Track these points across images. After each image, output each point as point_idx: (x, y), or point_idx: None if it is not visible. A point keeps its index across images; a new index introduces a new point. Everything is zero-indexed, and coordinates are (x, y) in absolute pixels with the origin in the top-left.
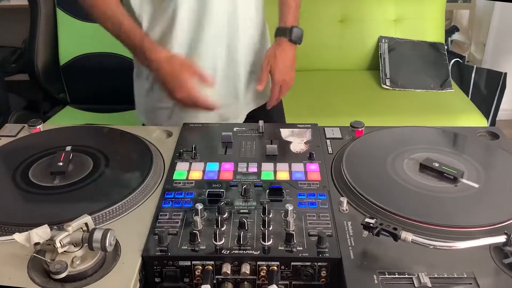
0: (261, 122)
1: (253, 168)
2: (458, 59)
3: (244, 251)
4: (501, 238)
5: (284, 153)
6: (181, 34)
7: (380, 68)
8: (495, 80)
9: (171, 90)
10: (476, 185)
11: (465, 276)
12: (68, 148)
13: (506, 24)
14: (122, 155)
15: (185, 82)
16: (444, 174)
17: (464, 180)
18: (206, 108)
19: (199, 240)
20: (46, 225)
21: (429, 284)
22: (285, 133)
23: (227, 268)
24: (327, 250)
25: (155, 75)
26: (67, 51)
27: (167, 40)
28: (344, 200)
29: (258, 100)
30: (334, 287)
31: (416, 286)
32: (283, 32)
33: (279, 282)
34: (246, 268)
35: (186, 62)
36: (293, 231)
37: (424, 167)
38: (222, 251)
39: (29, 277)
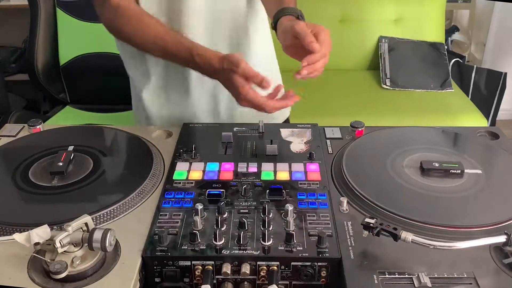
0: (261, 122)
1: (253, 168)
2: (458, 59)
3: (244, 251)
4: (501, 238)
5: (284, 153)
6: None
7: (380, 68)
8: (495, 80)
9: (236, 99)
10: (479, 171)
11: (465, 276)
12: (70, 148)
13: (506, 24)
14: (122, 155)
15: (241, 91)
16: (450, 171)
17: (468, 171)
18: (275, 109)
19: (199, 240)
20: (46, 225)
21: (429, 284)
22: (285, 133)
23: (227, 268)
24: (327, 250)
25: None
26: (67, 51)
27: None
28: (344, 200)
29: None
30: (334, 287)
31: (416, 286)
32: (291, 12)
33: (279, 282)
34: (246, 268)
35: (233, 63)
36: (293, 231)
37: (427, 170)
38: (222, 251)
39: (29, 277)
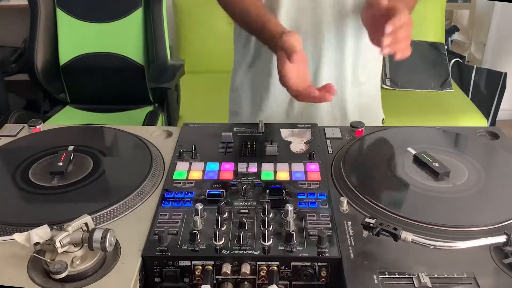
0: (261, 122)
1: (253, 168)
2: (458, 59)
3: (244, 251)
4: (501, 238)
5: (284, 153)
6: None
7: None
8: (495, 80)
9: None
10: (464, 180)
11: (465, 276)
12: (70, 148)
13: (506, 24)
14: (122, 155)
15: (287, 79)
16: (430, 167)
17: (448, 179)
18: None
19: (199, 240)
20: (46, 225)
21: (429, 284)
22: (285, 133)
23: (227, 268)
24: (327, 250)
25: None
26: (67, 51)
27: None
28: (344, 200)
29: None
30: (334, 287)
31: (416, 286)
32: None
33: (279, 282)
34: (246, 268)
35: (288, 46)
36: (293, 231)
37: (417, 160)
38: (222, 251)
39: (29, 277)
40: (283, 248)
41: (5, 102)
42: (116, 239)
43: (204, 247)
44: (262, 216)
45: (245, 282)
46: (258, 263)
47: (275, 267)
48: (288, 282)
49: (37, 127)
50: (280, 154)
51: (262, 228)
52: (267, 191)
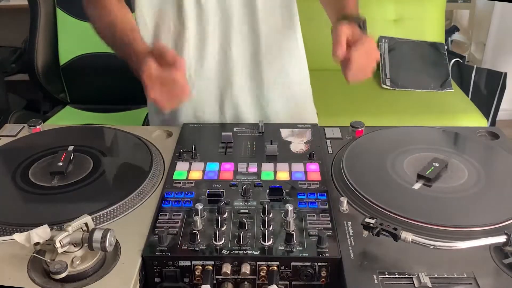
0: (261, 122)
1: (253, 168)
2: (458, 59)
3: (244, 251)
4: (501, 238)
5: (284, 153)
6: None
7: (380, 68)
8: (495, 80)
9: (144, 85)
10: (463, 180)
11: (465, 276)
12: (70, 148)
13: (506, 24)
14: (122, 155)
15: (144, 66)
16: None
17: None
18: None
19: (199, 240)
20: (46, 225)
21: (429, 284)
22: (285, 133)
23: (227, 268)
24: (327, 250)
25: None
26: (67, 51)
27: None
28: (344, 200)
29: None
30: (334, 287)
31: (416, 286)
32: (351, 19)
33: (279, 282)
34: (246, 268)
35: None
36: (293, 231)
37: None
38: (222, 251)
39: (29, 277)
40: (283, 248)
41: (5, 102)
42: (116, 239)
43: (204, 247)
44: (262, 216)
45: (245, 282)
46: (258, 263)
47: (275, 267)
48: (288, 282)
49: (37, 127)
50: (280, 154)
51: (262, 228)
52: (267, 191)
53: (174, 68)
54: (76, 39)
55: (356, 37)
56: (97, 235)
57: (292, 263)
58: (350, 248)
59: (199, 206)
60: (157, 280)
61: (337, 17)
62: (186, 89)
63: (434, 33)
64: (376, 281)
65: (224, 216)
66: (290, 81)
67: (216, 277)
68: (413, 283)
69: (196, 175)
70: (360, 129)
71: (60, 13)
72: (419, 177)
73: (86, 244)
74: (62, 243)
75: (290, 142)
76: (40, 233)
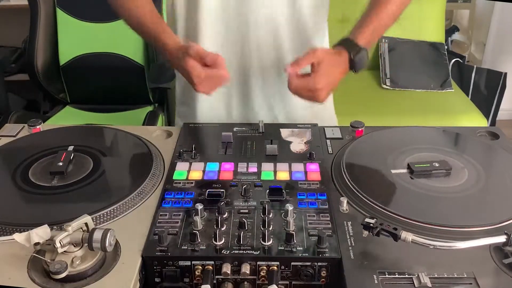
0: (261, 122)
1: (253, 168)
2: (458, 59)
3: (244, 251)
4: (501, 238)
5: (284, 153)
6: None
7: (380, 68)
8: (495, 80)
9: (192, 86)
10: (464, 180)
11: (465, 276)
12: (70, 148)
13: (506, 24)
14: (122, 155)
15: (192, 72)
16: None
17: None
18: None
19: (199, 240)
20: (46, 225)
21: (429, 284)
22: (285, 133)
23: (227, 268)
24: (327, 250)
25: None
26: (67, 51)
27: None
28: (344, 200)
29: None
30: (334, 287)
31: (416, 286)
32: (349, 46)
33: (279, 282)
34: (246, 268)
35: (185, 47)
36: (293, 231)
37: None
38: (222, 251)
39: (29, 277)
40: (283, 248)
41: (5, 102)
42: (116, 239)
43: (204, 247)
44: (262, 216)
45: (245, 282)
46: (258, 263)
47: (275, 267)
48: (288, 282)
49: (37, 127)
50: (280, 154)
51: (262, 228)
52: (267, 191)
53: (217, 66)
54: (76, 39)
55: (317, 71)
56: (97, 235)
57: (292, 263)
58: (350, 248)
59: (199, 206)
60: (157, 280)
61: (349, 33)
62: (227, 77)
63: (434, 33)
64: (376, 281)
65: (224, 216)
66: None
67: (216, 277)
68: (413, 283)
69: (196, 175)
70: (360, 129)
71: (60, 13)
72: (408, 166)
73: (86, 244)
74: (62, 243)
75: (290, 142)
76: (40, 233)
